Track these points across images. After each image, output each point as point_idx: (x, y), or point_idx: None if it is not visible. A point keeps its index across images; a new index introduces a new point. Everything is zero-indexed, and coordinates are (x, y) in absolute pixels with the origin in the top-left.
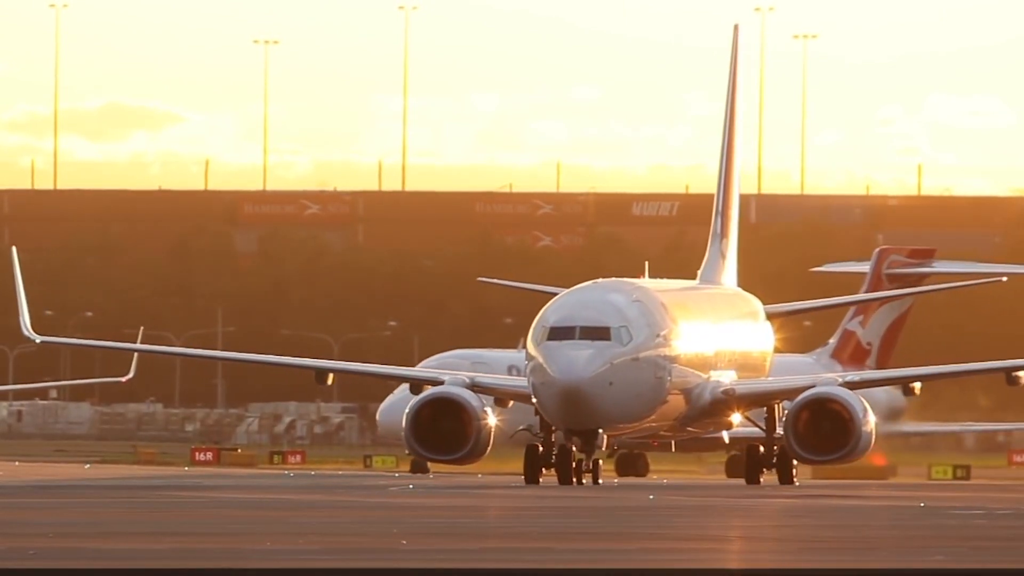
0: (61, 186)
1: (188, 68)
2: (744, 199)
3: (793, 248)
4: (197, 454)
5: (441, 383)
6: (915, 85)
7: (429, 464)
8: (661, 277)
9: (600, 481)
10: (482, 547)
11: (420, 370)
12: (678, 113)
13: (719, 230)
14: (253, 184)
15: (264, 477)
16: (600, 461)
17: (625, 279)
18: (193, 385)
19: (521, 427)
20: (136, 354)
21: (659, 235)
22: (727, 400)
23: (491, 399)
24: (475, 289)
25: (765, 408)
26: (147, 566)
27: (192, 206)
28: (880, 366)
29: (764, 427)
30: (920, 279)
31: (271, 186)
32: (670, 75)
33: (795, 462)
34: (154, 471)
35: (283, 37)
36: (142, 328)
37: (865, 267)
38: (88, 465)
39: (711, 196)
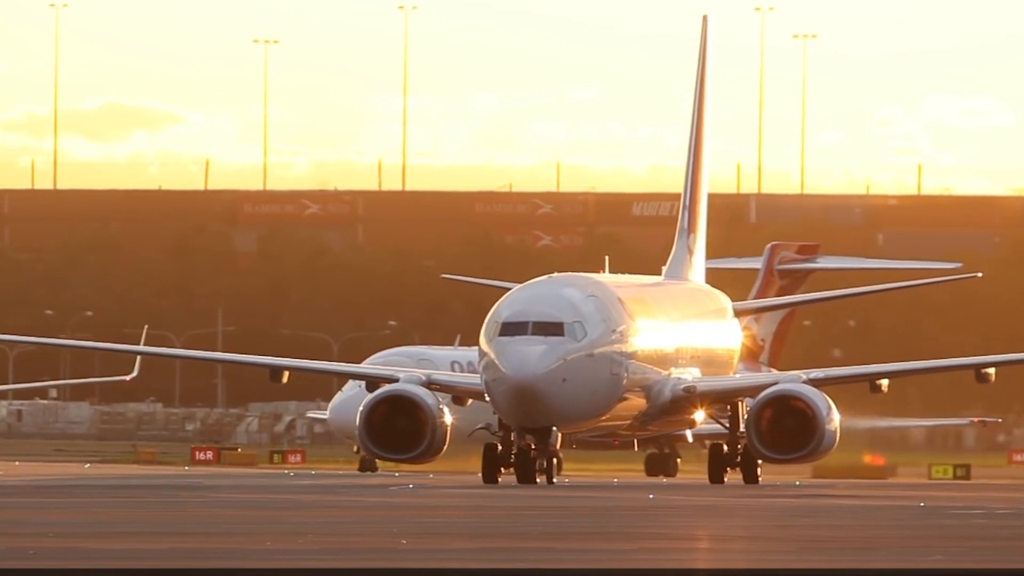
0: (61, 186)
1: (188, 68)
2: (744, 199)
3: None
4: (197, 454)
5: (396, 380)
6: (914, 85)
7: (381, 463)
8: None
9: (555, 480)
10: (482, 547)
11: (375, 367)
12: (677, 113)
13: (687, 225)
14: (253, 184)
15: (264, 477)
16: (555, 460)
17: (582, 274)
18: (193, 385)
19: (479, 425)
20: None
21: (659, 235)
22: (688, 398)
23: (448, 397)
24: (475, 289)
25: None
26: (147, 566)
27: (192, 206)
28: (772, 363)
29: (728, 425)
30: (807, 274)
31: (271, 186)
32: (669, 75)
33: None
34: (154, 471)
35: (283, 37)
36: (146, 327)
37: (756, 263)
38: (88, 465)
39: (711, 195)
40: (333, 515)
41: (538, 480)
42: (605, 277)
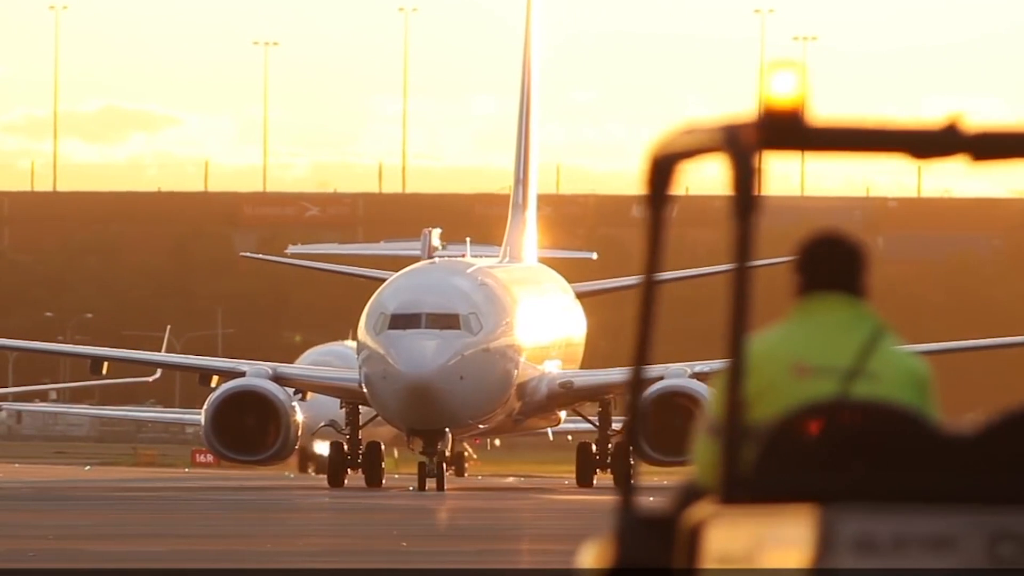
0: (60, 188)
1: (187, 70)
2: None
3: (793, 250)
4: (197, 456)
5: (242, 374)
6: (914, 85)
7: (230, 464)
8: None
9: (445, 488)
10: (482, 548)
11: (217, 361)
12: (676, 114)
13: (520, 200)
14: (252, 186)
15: (264, 478)
16: (444, 464)
17: (461, 259)
18: (193, 386)
19: (323, 423)
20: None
21: None
22: (565, 394)
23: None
24: None
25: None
26: (147, 568)
27: (192, 208)
28: None
29: (597, 423)
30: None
31: (270, 188)
32: (668, 76)
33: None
34: (154, 473)
35: (283, 38)
36: (169, 327)
37: (413, 248)
38: (88, 467)
39: (711, 197)
40: (333, 516)
41: (426, 487)
42: (481, 262)
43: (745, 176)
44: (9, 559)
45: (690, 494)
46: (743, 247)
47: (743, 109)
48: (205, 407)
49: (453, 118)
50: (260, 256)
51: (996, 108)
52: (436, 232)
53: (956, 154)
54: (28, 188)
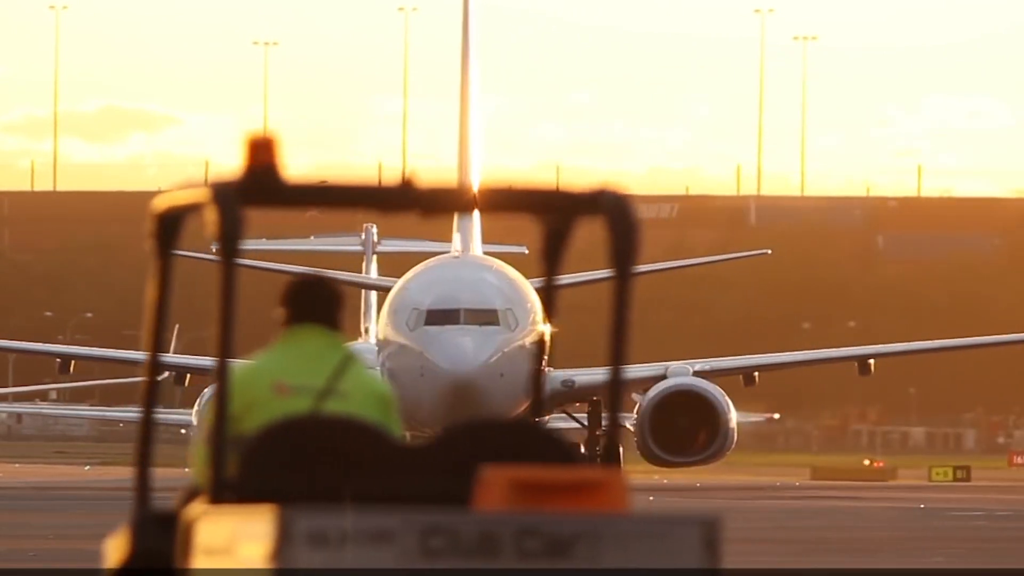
0: (60, 188)
1: (187, 69)
2: (744, 201)
3: (793, 250)
4: None
5: None
6: (914, 86)
7: None
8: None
9: None
10: None
11: (203, 359)
12: (676, 115)
13: None
14: None
15: None
16: None
17: (479, 254)
18: (194, 386)
19: None
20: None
21: (659, 237)
22: (565, 393)
23: None
24: None
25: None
26: None
27: None
28: None
29: (587, 422)
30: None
31: None
32: (668, 77)
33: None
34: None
35: (282, 38)
36: (177, 327)
37: (353, 243)
38: (88, 467)
39: (711, 197)
40: None
41: None
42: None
43: (229, 227)
44: (9, 559)
45: (192, 494)
46: (226, 285)
47: (231, 170)
48: (195, 407)
49: (453, 118)
50: (191, 254)
51: (996, 108)
52: (374, 227)
53: (410, 209)
54: (28, 188)
